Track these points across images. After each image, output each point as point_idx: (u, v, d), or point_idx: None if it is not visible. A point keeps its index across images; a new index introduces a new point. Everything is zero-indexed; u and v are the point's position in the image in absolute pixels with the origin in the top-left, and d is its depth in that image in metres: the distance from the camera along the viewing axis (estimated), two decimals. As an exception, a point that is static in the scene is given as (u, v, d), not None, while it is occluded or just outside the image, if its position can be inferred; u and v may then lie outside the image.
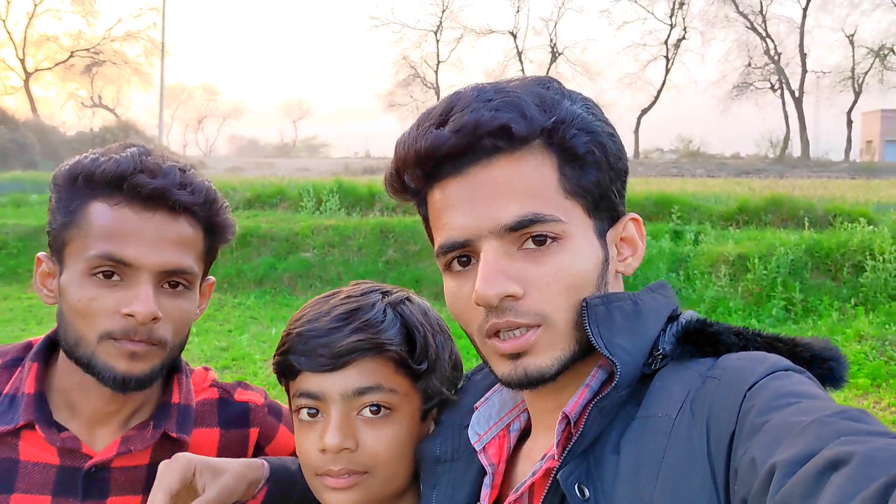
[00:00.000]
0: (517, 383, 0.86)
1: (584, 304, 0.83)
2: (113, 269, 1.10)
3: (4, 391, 1.18)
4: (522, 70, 50.83)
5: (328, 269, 11.40)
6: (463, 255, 0.88)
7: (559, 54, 51.62)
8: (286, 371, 1.08)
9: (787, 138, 47.62)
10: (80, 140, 40.06)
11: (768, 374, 0.74)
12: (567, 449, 0.80)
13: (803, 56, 47.26)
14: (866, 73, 47.10)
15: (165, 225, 1.13)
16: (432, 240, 0.94)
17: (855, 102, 47.42)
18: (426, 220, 0.95)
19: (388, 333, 1.04)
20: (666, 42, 49.87)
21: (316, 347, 1.02)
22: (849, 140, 46.76)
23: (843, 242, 9.94)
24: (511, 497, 0.88)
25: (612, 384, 0.80)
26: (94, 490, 1.17)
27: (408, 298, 1.13)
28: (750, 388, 0.73)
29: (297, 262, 11.63)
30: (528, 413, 0.99)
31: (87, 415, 1.20)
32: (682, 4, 49.38)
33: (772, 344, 0.83)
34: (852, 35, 47.46)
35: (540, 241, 0.84)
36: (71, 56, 54.20)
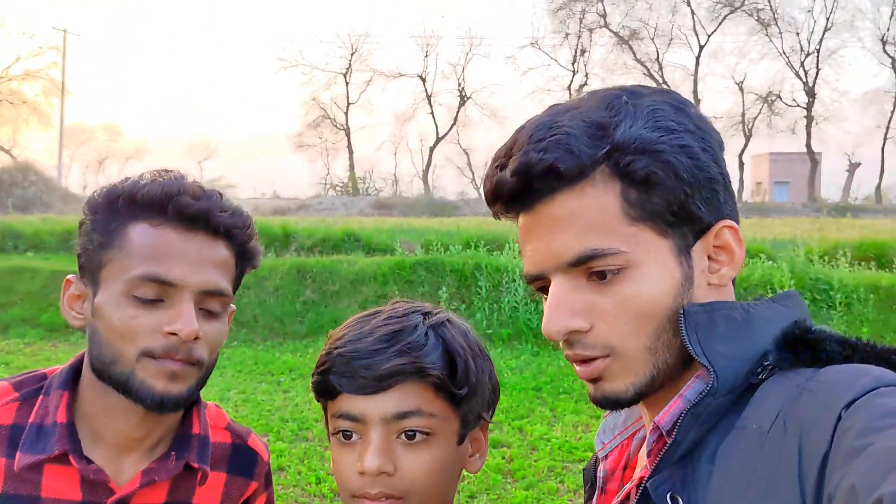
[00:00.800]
0: (598, 404, 0.88)
1: (682, 312, 0.81)
2: (155, 290, 1.10)
3: (30, 421, 1.15)
4: (432, 114, 51.59)
5: (244, 311, 11.17)
6: (542, 285, 0.89)
7: (467, 98, 52.42)
8: (325, 390, 1.07)
9: (684, 180, 49.49)
10: (-26, 181, 38.21)
11: (870, 391, 0.69)
12: (660, 458, 0.79)
13: (697, 101, 49.58)
14: (756, 119, 49.77)
15: (206, 246, 1.14)
16: None
17: (745, 146, 49.80)
18: None
19: (430, 357, 1.03)
20: (569, 88, 51.35)
21: (358, 369, 1.02)
22: (741, 181, 49.00)
23: (745, 277, 10.43)
24: (616, 502, 0.90)
25: (707, 390, 0.78)
26: None
27: (448, 320, 1.12)
28: (847, 406, 0.68)
29: (210, 304, 11.33)
30: None
31: (111, 443, 1.18)
32: (583, 52, 51.22)
33: (884, 357, 0.78)
34: (742, 82, 50.21)
35: (601, 274, 0.83)
36: (-36, 94, 51.82)
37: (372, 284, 11.33)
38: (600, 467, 0.98)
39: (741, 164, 49.06)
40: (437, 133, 51.47)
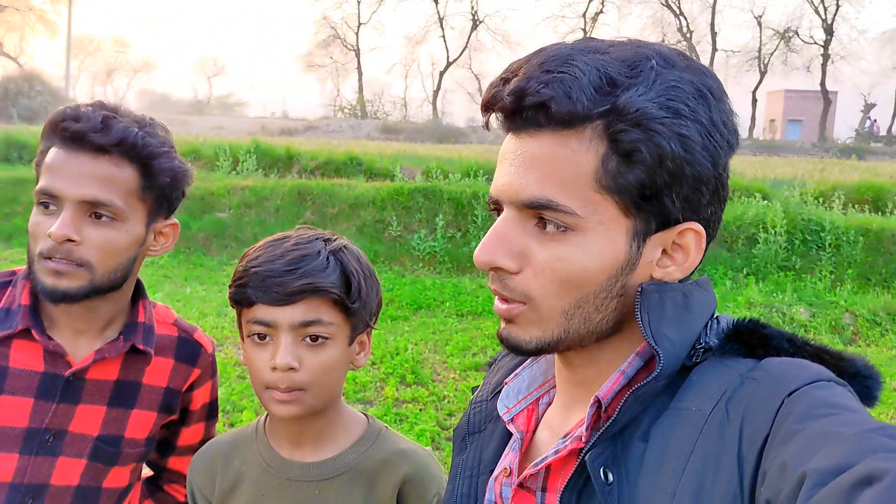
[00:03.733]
0: (501, 342, 0.89)
1: (640, 290, 0.82)
2: (48, 201, 1.31)
3: (0, 306, 1.38)
4: (444, 37, 50.75)
5: (244, 230, 11.37)
6: (497, 209, 0.88)
7: (480, 22, 51.54)
8: (242, 300, 1.28)
9: (696, 114, 48.84)
10: (-20, 89, 38.01)
11: (811, 383, 0.72)
12: (598, 433, 0.79)
13: (714, 35, 48.70)
14: (772, 54, 48.88)
15: (87, 163, 1.31)
16: None
17: (760, 82, 49.05)
18: None
19: (330, 278, 1.26)
20: (584, 15, 50.44)
21: (272, 285, 1.23)
22: (753, 118, 48.49)
23: (739, 216, 10.54)
24: (529, 470, 0.88)
25: (654, 374, 0.78)
26: (69, 396, 1.38)
27: (345, 246, 1.34)
28: (790, 394, 0.72)
29: (211, 221, 11.55)
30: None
31: (65, 327, 1.41)
32: (601, -22, 50.07)
33: (818, 355, 0.81)
34: (760, 16, 49.07)
35: (543, 224, 0.82)
36: (-32, 0, 51.05)
37: (370, 209, 11.47)
38: (512, 427, 0.98)
39: (754, 101, 48.46)
40: (448, 57, 50.79)
